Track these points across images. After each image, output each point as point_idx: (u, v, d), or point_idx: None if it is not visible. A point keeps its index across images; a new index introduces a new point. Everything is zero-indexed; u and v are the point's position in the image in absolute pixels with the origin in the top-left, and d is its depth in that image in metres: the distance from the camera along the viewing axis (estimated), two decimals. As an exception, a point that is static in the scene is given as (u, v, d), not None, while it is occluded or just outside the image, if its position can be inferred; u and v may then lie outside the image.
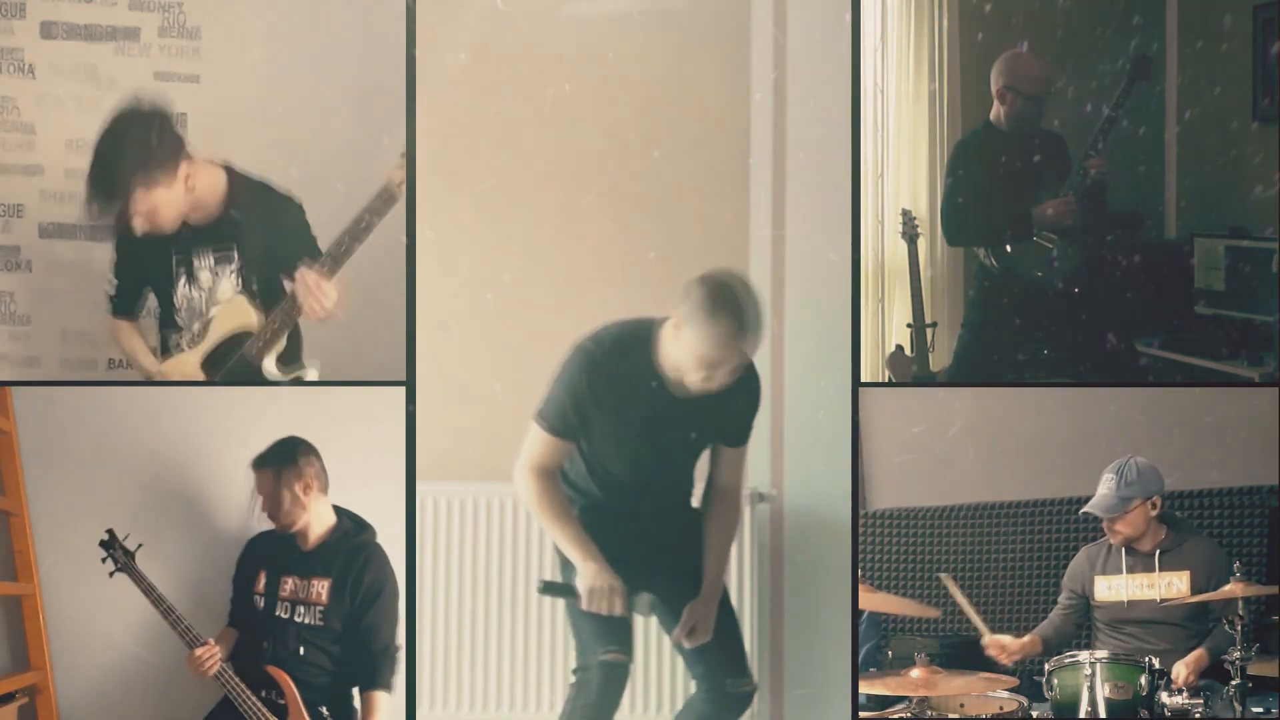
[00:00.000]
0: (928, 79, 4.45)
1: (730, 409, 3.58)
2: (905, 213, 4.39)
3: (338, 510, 3.83)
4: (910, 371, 4.39)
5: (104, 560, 3.77)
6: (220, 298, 3.84)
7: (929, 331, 4.39)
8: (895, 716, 3.81)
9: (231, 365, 3.83)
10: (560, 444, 3.52)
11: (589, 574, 3.51)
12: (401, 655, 3.83)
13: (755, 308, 3.39)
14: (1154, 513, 3.89)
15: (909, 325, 4.43)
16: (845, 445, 4.05)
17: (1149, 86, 4.27)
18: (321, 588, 3.75)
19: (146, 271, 3.88)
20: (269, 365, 3.83)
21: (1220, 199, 4.47)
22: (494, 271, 4.08)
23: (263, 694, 3.69)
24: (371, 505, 3.88)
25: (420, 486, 3.96)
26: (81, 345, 4.08)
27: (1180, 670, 3.70)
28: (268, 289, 3.86)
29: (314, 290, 3.70)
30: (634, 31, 4.18)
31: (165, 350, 3.91)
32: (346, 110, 4.04)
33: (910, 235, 4.39)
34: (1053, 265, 4.25)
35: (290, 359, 3.88)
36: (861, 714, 3.87)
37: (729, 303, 3.36)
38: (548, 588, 3.62)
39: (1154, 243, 4.53)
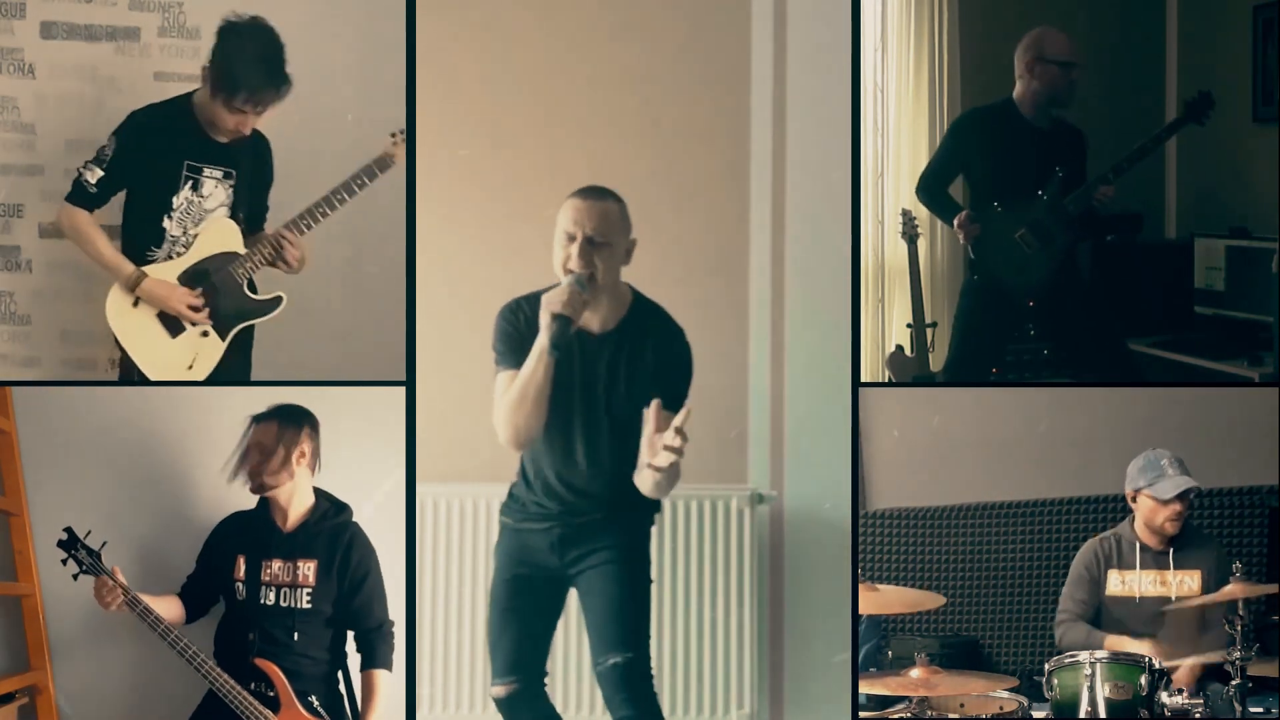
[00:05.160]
0: (928, 79, 4.46)
1: (650, 361, 3.52)
2: (905, 213, 4.39)
3: (316, 491, 3.80)
4: (910, 371, 4.40)
5: (64, 562, 3.67)
6: (212, 207, 3.89)
7: (929, 331, 4.40)
8: (895, 716, 3.81)
9: (215, 280, 3.88)
10: (515, 374, 3.51)
11: (547, 298, 3.45)
12: (396, 632, 3.81)
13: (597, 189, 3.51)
14: None
15: (909, 325, 4.43)
16: (845, 445, 4.05)
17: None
18: (308, 569, 3.71)
19: (139, 172, 3.86)
20: (247, 288, 3.92)
21: (1220, 199, 4.48)
22: (494, 272, 4.08)
23: (251, 686, 3.65)
24: (372, 505, 3.88)
25: (420, 487, 3.96)
26: (81, 345, 4.08)
27: (1182, 675, 3.70)
28: (251, 218, 3.96)
29: (291, 250, 3.92)
30: (634, 31, 4.18)
31: (138, 255, 3.88)
32: (346, 112, 4.04)
33: (910, 235, 4.39)
34: (1023, 271, 4.23)
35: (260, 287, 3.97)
36: (861, 714, 3.87)
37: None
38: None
39: (1154, 243, 4.54)
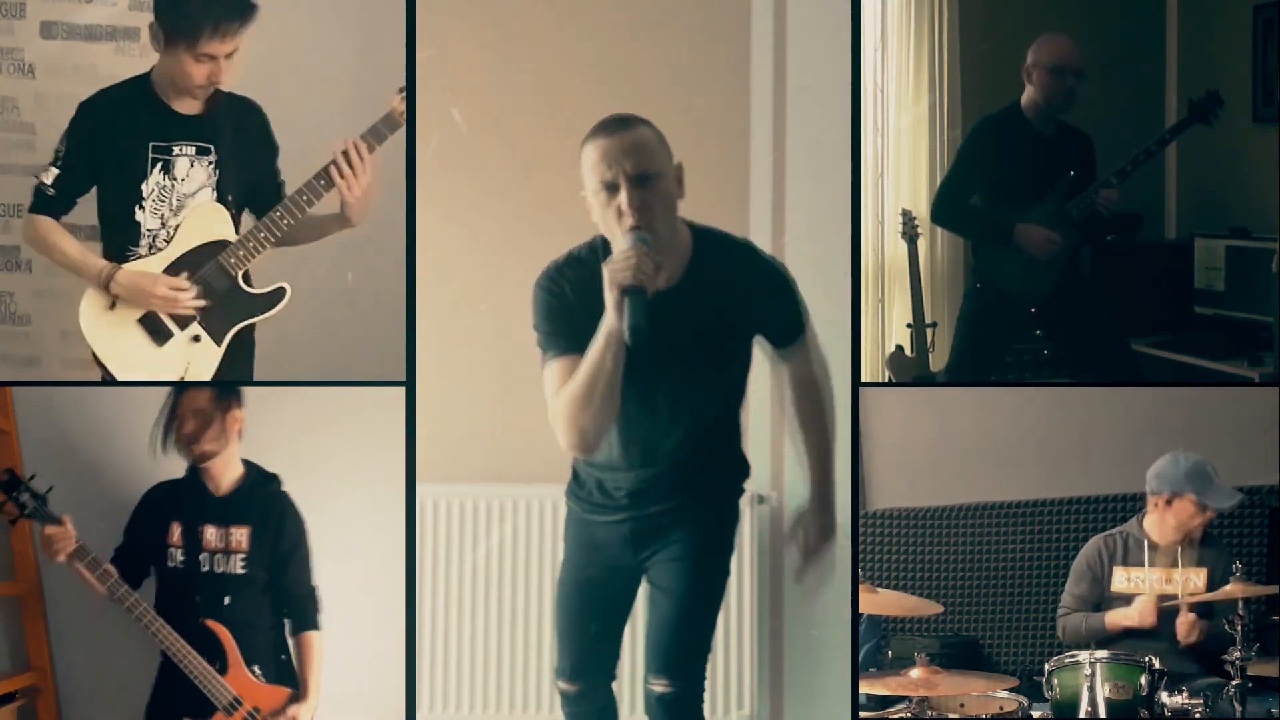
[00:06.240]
0: (928, 79, 4.46)
1: (739, 302, 3.08)
2: (905, 213, 4.39)
3: (243, 461, 3.75)
4: (910, 371, 4.40)
5: (2, 505, 3.52)
6: (192, 190, 3.59)
7: (929, 331, 4.39)
8: (895, 716, 3.81)
9: (204, 273, 3.59)
10: (572, 360, 3.00)
11: (611, 270, 2.88)
12: (322, 594, 3.79)
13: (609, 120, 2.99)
14: None
15: (909, 325, 4.43)
16: (845, 445, 4.04)
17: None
18: (241, 535, 3.68)
19: (101, 164, 3.59)
20: (243, 282, 3.65)
21: (1220, 199, 4.48)
22: (495, 271, 4.08)
23: (199, 652, 3.60)
24: (372, 506, 3.88)
25: (420, 488, 3.96)
26: (81, 345, 4.07)
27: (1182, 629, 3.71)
28: (255, 195, 3.67)
29: (357, 165, 3.52)
30: (634, 30, 4.18)
31: (118, 257, 3.62)
32: (345, 115, 4.04)
33: (910, 235, 4.39)
34: (1029, 279, 4.22)
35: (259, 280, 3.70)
36: (861, 714, 3.87)
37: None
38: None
39: (1154, 243, 4.53)
